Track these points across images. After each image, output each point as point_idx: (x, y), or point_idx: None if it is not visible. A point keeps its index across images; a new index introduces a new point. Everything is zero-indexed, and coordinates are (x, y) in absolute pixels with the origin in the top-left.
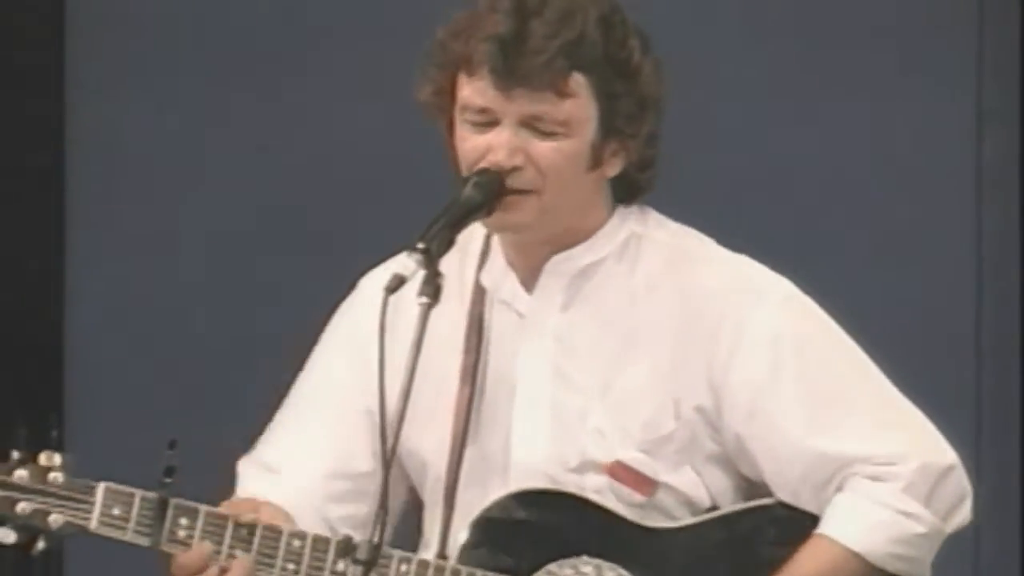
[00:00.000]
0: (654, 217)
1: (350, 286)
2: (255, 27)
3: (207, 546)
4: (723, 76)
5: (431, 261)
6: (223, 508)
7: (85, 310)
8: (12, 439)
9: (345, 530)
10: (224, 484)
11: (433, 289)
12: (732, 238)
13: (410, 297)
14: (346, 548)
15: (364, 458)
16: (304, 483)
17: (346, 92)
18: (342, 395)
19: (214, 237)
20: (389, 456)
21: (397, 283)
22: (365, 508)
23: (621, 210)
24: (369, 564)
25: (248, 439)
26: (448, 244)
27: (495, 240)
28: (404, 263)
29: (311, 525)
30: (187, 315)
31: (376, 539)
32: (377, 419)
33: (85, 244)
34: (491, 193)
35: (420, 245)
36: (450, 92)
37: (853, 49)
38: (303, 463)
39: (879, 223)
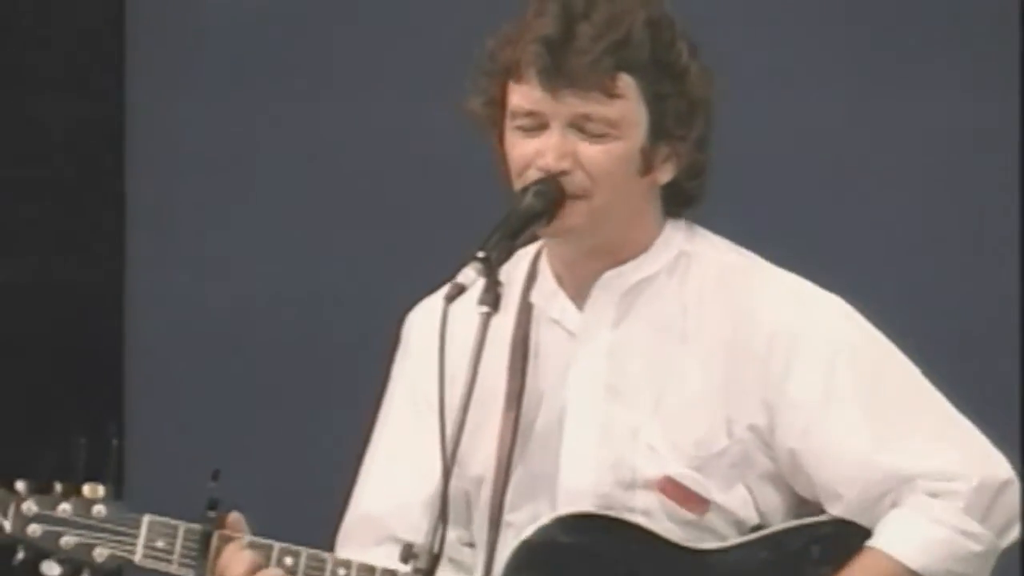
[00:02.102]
0: (702, 234)
1: (398, 323)
2: (314, 34)
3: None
4: (769, 74)
5: (491, 270)
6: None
7: (145, 320)
8: (73, 448)
9: (463, 550)
10: (281, 491)
11: (493, 297)
12: (774, 239)
13: (464, 310)
14: (407, 555)
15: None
16: (411, 517)
17: (411, 97)
18: (412, 432)
19: (274, 247)
20: (449, 463)
21: (457, 291)
22: (475, 526)
23: (670, 227)
24: (429, 573)
25: (309, 445)
26: (508, 253)
27: (543, 262)
28: (464, 274)
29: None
30: (246, 324)
31: (436, 548)
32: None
33: (145, 253)
34: (551, 201)
35: (480, 254)
36: (500, 102)
37: (898, 49)
38: (401, 503)
39: (924, 224)
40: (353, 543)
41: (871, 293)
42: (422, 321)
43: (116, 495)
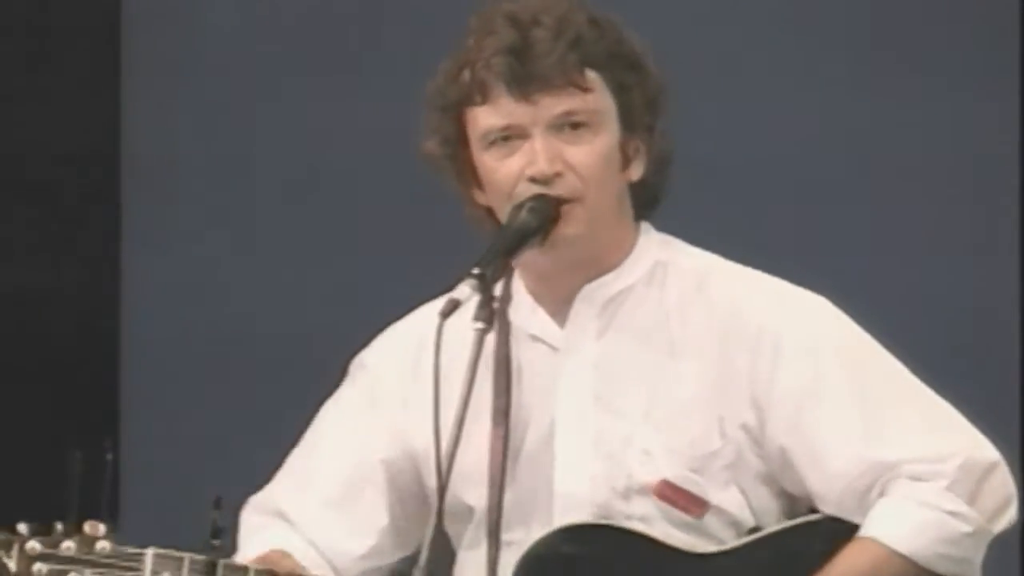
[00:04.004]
0: (675, 243)
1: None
2: (307, 43)
3: None
4: (770, 76)
5: (486, 286)
6: (263, 563)
7: (141, 333)
8: (68, 461)
9: None
10: None
11: (488, 313)
12: (774, 239)
13: (449, 337)
14: (402, 573)
15: (383, 512)
16: (328, 541)
17: (411, 101)
18: (355, 447)
19: (272, 259)
20: (444, 481)
21: (452, 307)
22: (384, 562)
23: (643, 237)
24: None
25: None
26: (503, 270)
27: (516, 280)
28: (459, 290)
29: None
30: (242, 336)
31: (431, 565)
32: (393, 470)
33: (140, 263)
34: (546, 218)
35: (475, 270)
36: (458, 138)
37: (899, 51)
38: (323, 519)
39: (924, 223)
40: (254, 528)
41: (871, 293)
42: (377, 358)
43: (112, 518)
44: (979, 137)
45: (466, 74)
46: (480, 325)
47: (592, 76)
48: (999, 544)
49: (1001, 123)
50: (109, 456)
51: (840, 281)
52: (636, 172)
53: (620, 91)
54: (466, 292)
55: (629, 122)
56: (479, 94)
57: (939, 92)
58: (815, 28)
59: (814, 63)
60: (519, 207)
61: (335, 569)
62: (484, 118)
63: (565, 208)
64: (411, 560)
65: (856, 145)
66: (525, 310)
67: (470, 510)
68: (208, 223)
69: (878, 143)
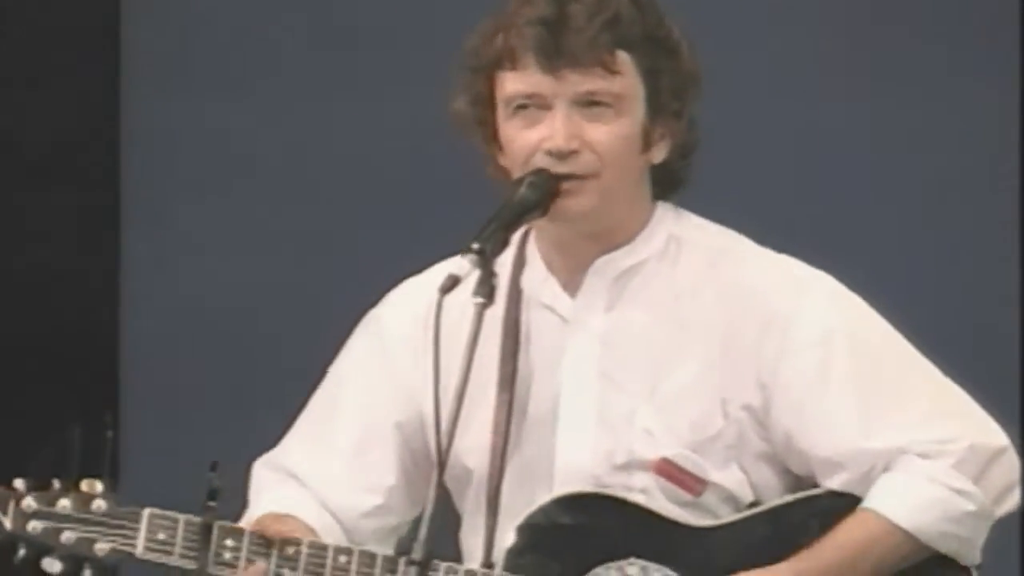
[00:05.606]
0: (691, 218)
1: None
2: (306, 30)
3: (262, 566)
4: (773, 75)
5: (486, 261)
6: (257, 527)
7: (141, 310)
8: (67, 438)
9: (372, 544)
10: None
11: (488, 289)
12: (778, 234)
13: (454, 301)
14: (402, 547)
15: (392, 471)
16: (336, 497)
17: (401, 95)
18: (370, 407)
19: (269, 240)
20: (444, 457)
21: (451, 283)
22: (393, 521)
23: (658, 212)
24: (424, 565)
25: None
26: (503, 245)
27: (531, 246)
28: (458, 263)
29: (339, 540)
30: (240, 316)
31: (429, 539)
32: (407, 431)
33: (140, 246)
34: (546, 192)
35: (475, 245)
36: (487, 99)
37: (899, 49)
38: (332, 475)
39: (924, 221)
40: (263, 484)
41: (870, 293)
42: (392, 316)
43: (111, 487)
44: (979, 137)
45: (500, 38)
46: (480, 300)
47: (623, 57)
48: (999, 543)
49: (1001, 123)
50: (109, 433)
51: (838, 279)
52: (658, 155)
53: (650, 74)
54: (466, 267)
55: (656, 106)
56: (508, 60)
57: (938, 93)
58: (814, 26)
59: (813, 62)
60: (519, 181)
61: (344, 528)
62: (511, 84)
63: (579, 182)
64: (413, 534)
65: (855, 145)
66: (538, 278)
67: (468, 472)
68: (207, 202)
69: (878, 143)
